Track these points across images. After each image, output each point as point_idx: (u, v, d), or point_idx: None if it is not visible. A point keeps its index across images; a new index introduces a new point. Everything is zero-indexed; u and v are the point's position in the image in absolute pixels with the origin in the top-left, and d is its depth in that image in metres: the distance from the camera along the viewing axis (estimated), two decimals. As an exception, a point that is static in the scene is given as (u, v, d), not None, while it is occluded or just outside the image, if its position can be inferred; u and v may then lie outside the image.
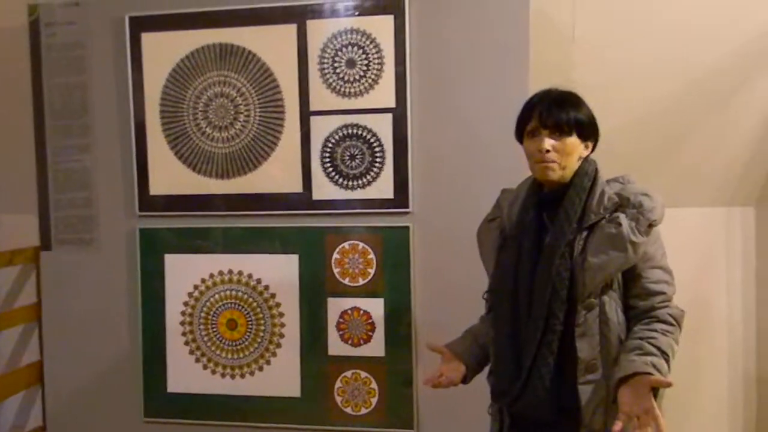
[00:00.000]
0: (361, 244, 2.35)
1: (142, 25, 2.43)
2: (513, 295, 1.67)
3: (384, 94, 2.30)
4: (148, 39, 2.44)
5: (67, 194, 2.56)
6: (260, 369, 2.45)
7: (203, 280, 2.47)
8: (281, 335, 2.43)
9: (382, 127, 2.30)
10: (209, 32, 2.39)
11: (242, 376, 2.46)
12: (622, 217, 1.56)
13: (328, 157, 2.35)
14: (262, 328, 2.44)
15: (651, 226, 1.56)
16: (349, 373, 2.39)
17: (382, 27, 2.29)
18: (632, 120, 2.65)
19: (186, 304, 2.49)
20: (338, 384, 2.39)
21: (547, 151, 1.61)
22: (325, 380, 2.40)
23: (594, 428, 1.57)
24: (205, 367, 2.49)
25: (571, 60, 2.69)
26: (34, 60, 2.55)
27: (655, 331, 1.56)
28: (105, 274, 2.55)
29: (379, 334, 2.35)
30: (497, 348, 1.72)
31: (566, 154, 1.61)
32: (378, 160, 2.32)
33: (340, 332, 2.38)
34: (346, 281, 2.37)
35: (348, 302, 2.37)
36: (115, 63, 2.48)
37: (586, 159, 1.65)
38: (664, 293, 1.60)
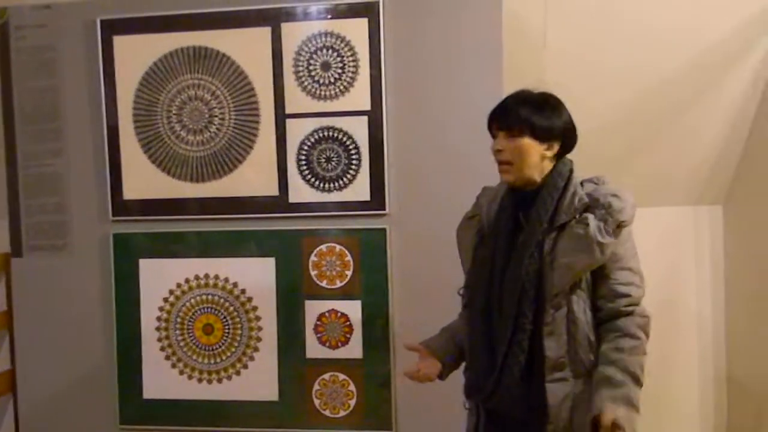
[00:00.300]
0: (338, 247, 2.35)
1: (114, 28, 2.41)
2: (487, 293, 1.69)
3: (359, 96, 2.30)
4: (120, 42, 2.41)
5: (39, 200, 2.52)
6: (237, 373, 2.44)
7: (179, 285, 2.45)
8: (258, 339, 2.42)
9: (358, 129, 2.31)
10: (182, 35, 2.38)
11: (219, 380, 2.45)
12: (591, 218, 1.57)
13: (304, 159, 2.35)
14: (239, 332, 2.43)
15: (620, 227, 1.57)
16: (327, 376, 2.39)
17: (356, 30, 2.30)
18: (603, 122, 2.69)
19: (161, 309, 2.47)
20: (316, 386, 2.39)
21: (498, 150, 1.66)
22: (303, 383, 2.40)
23: (561, 425, 1.60)
24: (181, 373, 2.47)
25: (543, 64, 2.73)
26: (4, 63, 2.50)
27: (623, 351, 1.58)
28: (78, 280, 2.52)
29: (357, 336, 2.36)
30: (471, 344, 1.75)
31: (519, 155, 1.63)
32: (354, 162, 2.32)
33: (318, 335, 2.38)
34: (324, 284, 2.37)
35: (325, 305, 2.37)
36: (87, 66, 2.45)
37: (560, 160, 1.66)
38: (629, 295, 1.61)
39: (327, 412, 2.39)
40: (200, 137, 2.40)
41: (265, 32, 2.34)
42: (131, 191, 2.45)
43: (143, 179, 2.44)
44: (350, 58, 2.31)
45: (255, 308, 2.41)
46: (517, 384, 1.62)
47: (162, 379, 2.47)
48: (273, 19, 2.33)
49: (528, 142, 1.62)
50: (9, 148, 2.53)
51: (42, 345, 2.56)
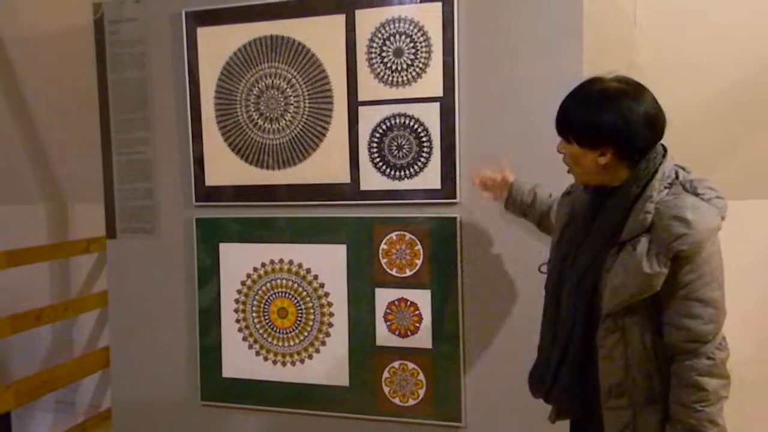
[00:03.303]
0: (408, 235, 2.33)
1: (197, 19, 2.50)
2: (557, 281, 1.60)
3: (431, 82, 2.26)
4: (203, 33, 2.50)
5: (131, 185, 2.67)
6: (310, 357, 2.48)
7: (255, 269, 2.52)
8: (330, 324, 2.45)
9: (430, 116, 2.27)
10: (261, 25, 2.43)
11: (293, 363, 2.51)
12: (643, 242, 1.39)
13: (376, 147, 2.34)
14: (312, 317, 2.47)
15: (679, 256, 1.37)
16: (396, 364, 2.38)
17: (430, 15, 2.25)
18: (702, 110, 2.53)
19: (239, 292, 2.55)
20: (386, 374, 2.39)
21: (561, 153, 1.55)
22: (373, 370, 2.41)
23: None
24: (257, 354, 2.54)
25: (634, 42, 2.58)
26: (100, 56, 2.66)
27: (687, 407, 1.40)
28: (165, 262, 2.65)
29: (426, 326, 2.33)
30: (542, 325, 1.67)
31: (573, 162, 1.52)
32: (425, 149, 2.29)
33: (388, 323, 2.38)
34: (394, 272, 2.36)
35: (395, 293, 2.36)
36: (173, 58, 2.56)
37: (643, 161, 1.45)
38: (689, 329, 1.39)
39: (396, 401, 2.39)
40: (276, 125, 2.45)
41: (340, 19, 2.35)
42: (213, 178, 2.54)
43: (223, 166, 2.52)
44: (423, 44, 2.27)
45: (327, 294, 2.45)
46: (570, 397, 1.55)
47: (240, 359, 2.56)
48: (347, 6, 2.33)
49: (577, 150, 1.49)
50: (104, 136, 2.69)
51: (132, 323, 2.72)
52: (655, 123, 1.44)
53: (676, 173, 1.46)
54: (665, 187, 1.43)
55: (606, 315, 1.45)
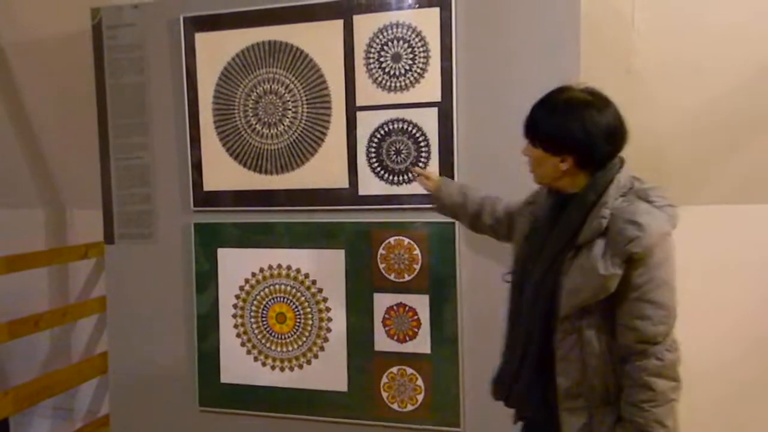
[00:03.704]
0: (407, 240, 2.33)
1: (195, 25, 2.50)
2: (520, 288, 1.65)
3: (429, 88, 2.26)
4: (201, 39, 2.50)
5: (129, 190, 2.67)
6: (308, 362, 2.48)
7: (253, 274, 2.52)
8: (328, 329, 2.44)
9: (428, 121, 2.27)
10: (259, 30, 2.43)
11: (291, 368, 2.50)
12: (598, 245, 1.45)
13: (374, 152, 2.34)
14: (310, 322, 2.47)
15: (632, 258, 1.42)
16: (395, 369, 2.38)
17: (428, 20, 2.25)
18: (699, 116, 2.53)
19: (237, 297, 2.55)
20: (384, 380, 2.39)
21: (526, 155, 1.61)
22: (372, 375, 2.40)
23: None
24: (255, 359, 2.54)
25: (632, 46, 2.58)
26: (97, 61, 2.66)
27: (637, 407, 1.44)
28: (163, 268, 2.65)
29: (425, 331, 2.33)
30: (505, 333, 1.72)
31: (536, 165, 1.58)
32: (423, 154, 2.29)
33: (386, 328, 2.37)
34: (392, 277, 2.35)
35: (393, 298, 2.36)
36: (172, 63, 2.56)
37: (601, 171, 1.51)
38: (638, 330, 1.44)
39: (395, 406, 2.39)
40: (274, 130, 2.45)
41: (338, 25, 2.35)
42: (211, 183, 2.54)
43: (221, 171, 2.52)
44: (421, 49, 2.27)
45: (325, 299, 2.44)
46: (528, 402, 1.60)
47: (238, 365, 2.56)
48: (345, 12, 2.33)
49: (540, 154, 1.55)
50: (103, 141, 2.69)
51: (130, 328, 2.72)
52: (616, 136, 1.50)
53: (632, 182, 1.51)
54: (621, 195, 1.48)
55: (563, 317, 1.50)
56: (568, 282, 1.48)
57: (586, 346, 1.49)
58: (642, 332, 1.43)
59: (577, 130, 1.47)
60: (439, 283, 2.30)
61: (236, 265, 2.54)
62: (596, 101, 1.50)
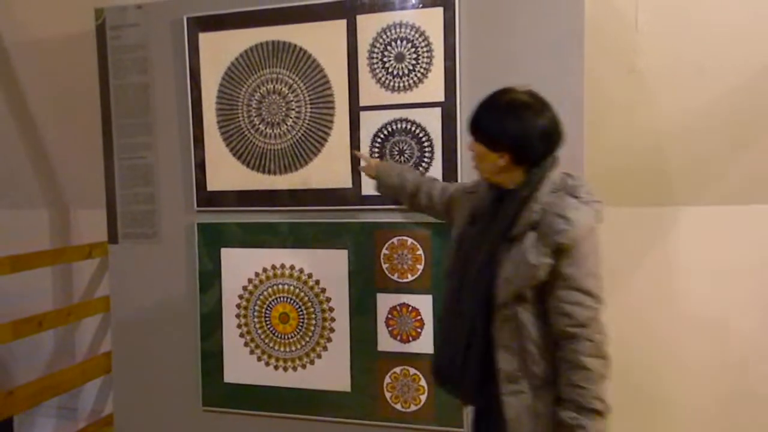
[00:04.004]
0: (410, 240, 2.33)
1: (199, 25, 2.50)
2: (461, 277, 1.73)
3: (433, 88, 2.26)
4: (205, 39, 2.50)
5: (132, 190, 2.67)
6: (311, 362, 2.48)
7: (257, 274, 2.52)
8: (332, 329, 2.45)
9: (431, 121, 2.27)
10: (262, 30, 2.43)
11: (294, 368, 2.50)
12: (530, 237, 1.57)
13: (377, 152, 2.34)
14: (313, 322, 2.47)
15: (560, 249, 1.54)
16: (398, 369, 2.38)
17: (431, 20, 2.25)
18: (701, 116, 2.54)
19: (241, 297, 2.55)
20: (387, 380, 2.39)
21: (471, 151, 1.71)
22: (375, 375, 2.40)
23: None
24: (259, 359, 2.54)
25: (635, 47, 2.58)
26: (101, 62, 2.67)
27: (575, 386, 1.55)
28: (167, 268, 2.65)
29: (428, 332, 2.33)
30: (443, 323, 1.80)
31: (478, 160, 1.69)
32: (427, 154, 2.29)
33: (389, 328, 2.37)
34: (395, 277, 2.35)
35: (397, 298, 2.36)
36: (175, 63, 2.56)
37: (536, 168, 1.62)
38: (571, 316, 1.55)
39: (398, 406, 2.39)
40: (277, 130, 2.45)
41: (341, 25, 2.35)
42: (214, 183, 2.54)
43: (225, 171, 2.52)
44: (424, 49, 2.27)
45: (328, 299, 2.44)
46: (474, 389, 1.69)
47: (241, 364, 2.56)
48: (349, 12, 2.33)
49: (482, 150, 1.66)
50: (107, 141, 2.70)
51: (134, 328, 2.72)
52: (550, 138, 1.62)
53: (564, 180, 1.63)
54: (552, 192, 1.60)
55: (501, 305, 1.61)
56: (503, 272, 1.59)
57: (523, 332, 1.60)
58: (574, 317, 1.55)
59: (514, 129, 1.60)
60: (443, 283, 2.29)
61: (239, 265, 2.54)
62: (536, 104, 1.62)
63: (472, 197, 1.82)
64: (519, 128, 1.59)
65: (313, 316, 2.47)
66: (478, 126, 1.66)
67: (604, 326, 1.59)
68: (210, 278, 2.58)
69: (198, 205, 2.57)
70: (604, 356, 1.57)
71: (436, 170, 2.28)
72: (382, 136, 2.33)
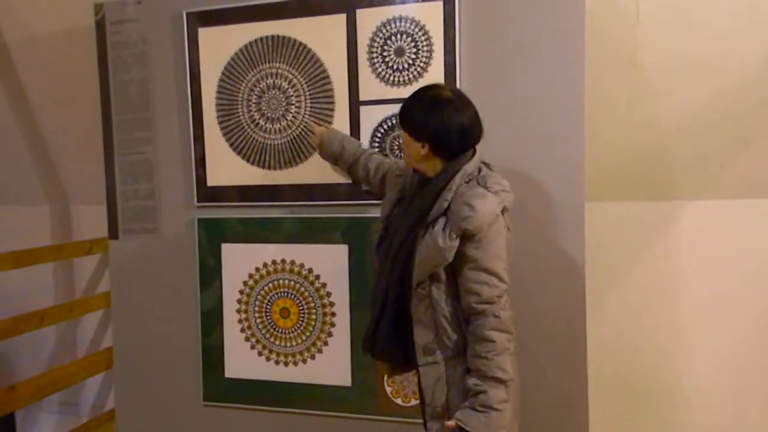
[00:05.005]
0: (410, 235, 2.33)
1: (199, 20, 2.50)
2: (383, 255, 1.90)
3: (433, 82, 2.24)
4: (204, 34, 2.50)
5: (133, 185, 2.67)
6: (312, 357, 2.48)
7: (257, 269, 2.52)
8: (332, 324, 2.45)
9: (431, 116, 2.27)
10: (262, 25, 2.42)
11: (295, 363, 2.50)
12: (440, 223, 1.71)
13: (378, 146, 2.34)
14: (314, 317, 2.47)
15: (466, 234, 1.67)
16: (398, 364, 2.38)
17: (431, 14, 2.25)
18: (702, 111, 2.53)
19: (241, 292, 2.55)
20: (388, 374, 2.39)
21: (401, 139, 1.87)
22: (375, 370, 2.40)
23: (438, 405, 1.78)
24: (260, 354, 2.54)
25: (636, 40, 2.58)
26: (101, 57, 2.66)
27: (479, 356, 1.70)
28: (167, 263, 2.65)
29: (429, 326, 2.33)
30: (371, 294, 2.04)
31: (404, 146, 1.84)
32: (427, 149, 2.28)
33: (390, 323, 2.37)
34: (396, 272, 2.35)
35: (397, 293, 2.36)
36: (175, 58, 2.56)
37: (454, 160, 1.75)
38: (479, 294, 1.70)
39: (399, 401, 2.39)
40: (277, 125, 2.45)
41: (341, 19, 2.34)
42: (214, 178, 2.54)
43: (225, 166, 2.52)
44: (425, 43, 2.26)
45: (329, 294, 2.44)
46: (388, 349, 1.88)
47: (242, 359, 2.56)
48: (348, 6, 2.33)
49: (407, 138, 1.80)
50: (107, 137, 2.69)
51: (135, 323, 2.72)
52: (468, 134, 1.76)
53: (479, 170, 1.78)
54: (465, 182, 1.74)
55: (416, 285, 1.76)
56: (418, 255, 1.74)
57: (437, 309, 1.76)
58: (481, 295, 1.70)
59: (435, 123, 1.73)
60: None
61: (240, 261, 2.54)
62: (458, 101, 1.75)
63: (400, 180, 1.96)
64: (439, 122, 1.73)
65: (314, 311, 2.47)
66: (404, 116, 1.80)
67: (508, 303, 1.75)
68: (211, 273, 2.58)
69: (198, 201, 2.57)
70: (508, 330, 1.72)
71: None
72: (382, 130, 2.33)
